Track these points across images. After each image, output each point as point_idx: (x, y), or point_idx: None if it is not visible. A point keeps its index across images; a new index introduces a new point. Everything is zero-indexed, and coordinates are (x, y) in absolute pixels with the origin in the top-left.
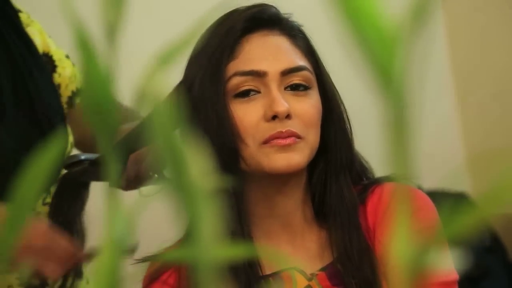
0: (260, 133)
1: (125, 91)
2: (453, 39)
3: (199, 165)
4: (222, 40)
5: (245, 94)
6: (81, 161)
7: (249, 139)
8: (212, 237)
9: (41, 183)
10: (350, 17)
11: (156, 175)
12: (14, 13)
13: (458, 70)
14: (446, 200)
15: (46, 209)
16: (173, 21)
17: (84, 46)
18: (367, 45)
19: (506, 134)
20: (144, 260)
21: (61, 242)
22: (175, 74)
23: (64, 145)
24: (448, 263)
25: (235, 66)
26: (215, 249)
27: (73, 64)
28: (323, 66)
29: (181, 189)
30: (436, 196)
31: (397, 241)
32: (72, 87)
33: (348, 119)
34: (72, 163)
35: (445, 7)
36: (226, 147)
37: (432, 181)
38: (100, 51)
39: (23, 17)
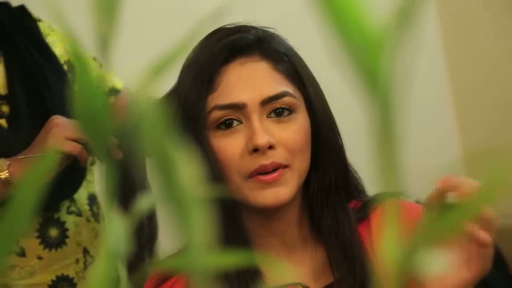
0: (243, 167)
1: None
2: (449, 44)
3: (189, 172)
4: (201, 71)
5: (227, 125)
6: None
7: (233, 174)
8: (204, 244)
9: (37, 189)
10: (335, 21)
11: None
12: (33, 23)
13: (454, 73)
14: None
15: (72, 218)
16: (165, 32)
17: (78, 58)
18: (353, 49)
19: (503, 138)
20: (146, 266)
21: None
22: (166, 84)
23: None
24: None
25: (214, 99)
26: (208, 257)
27: (100, 65)
28: (311, 85)
29: (171, 196)
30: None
31: (386, 245)
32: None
33: (340, 136)
34: None
35: (439, 6)
36: (211, 182)
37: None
38: (93, 63)
39: (42, 26)
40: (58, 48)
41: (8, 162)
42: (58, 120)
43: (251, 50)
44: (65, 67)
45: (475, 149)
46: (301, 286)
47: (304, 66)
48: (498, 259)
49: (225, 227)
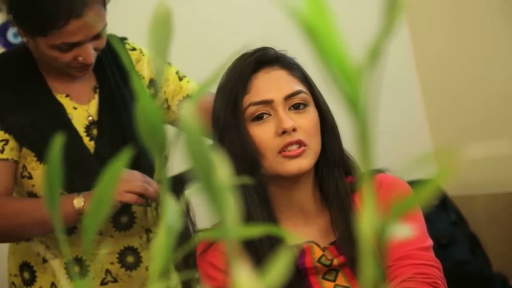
0: (275, 146)
1: None
2: (419, 53)
3: (223, 169)
4: (237, 80)
5: (259, 117)
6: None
7: (268, 152)
8: (234, 220)
9: (118, 176)
10: (324, 61)
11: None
12: (126, 54)
13: (425, 79)
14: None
15: (141, 208)
16: (202, 64)
17: (140, 86)
18: (338, 82)
19: (465, 134)
20: (196, 234)
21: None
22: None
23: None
24: (421, 232)
25: (248, 98)
26: (236, 229)
27: (180, 78)
28: (317, 88)
29: (210, 188)
30: (412, 183)
31: (365, 217)
32: (179, 96)
33: (337, 127)
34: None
35: (409, 15)
36: (250, 161)
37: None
38: (174, 76)
39: (134, 54)
40: (145, 71)
41: (83, 199)
42: (123, 176)
43: (272, 62)
44: (149, 86)
45: (442, 143)
46: (314, 243)
47: (308, 74)
48: (460, 219)
49: (258, 203)
